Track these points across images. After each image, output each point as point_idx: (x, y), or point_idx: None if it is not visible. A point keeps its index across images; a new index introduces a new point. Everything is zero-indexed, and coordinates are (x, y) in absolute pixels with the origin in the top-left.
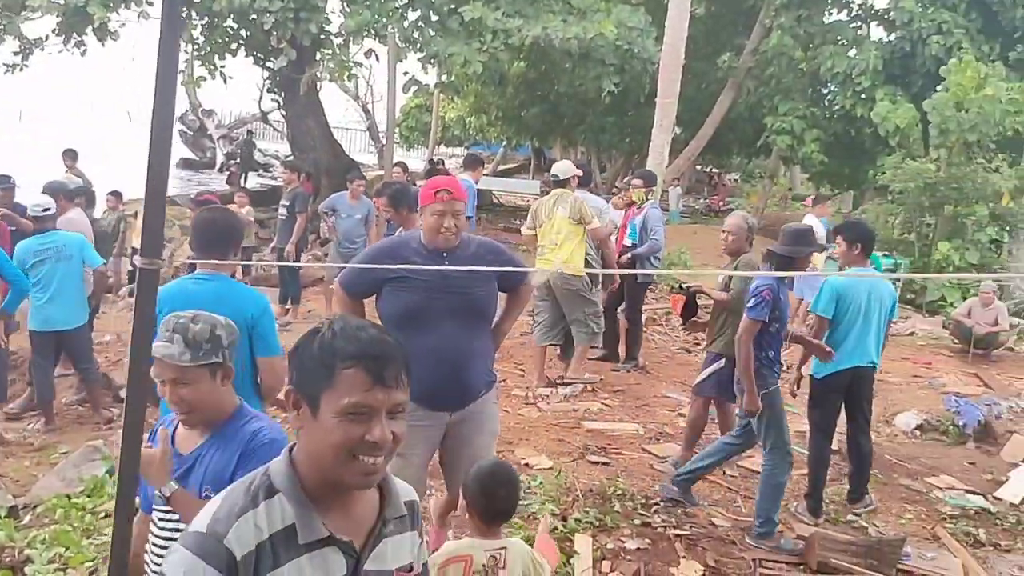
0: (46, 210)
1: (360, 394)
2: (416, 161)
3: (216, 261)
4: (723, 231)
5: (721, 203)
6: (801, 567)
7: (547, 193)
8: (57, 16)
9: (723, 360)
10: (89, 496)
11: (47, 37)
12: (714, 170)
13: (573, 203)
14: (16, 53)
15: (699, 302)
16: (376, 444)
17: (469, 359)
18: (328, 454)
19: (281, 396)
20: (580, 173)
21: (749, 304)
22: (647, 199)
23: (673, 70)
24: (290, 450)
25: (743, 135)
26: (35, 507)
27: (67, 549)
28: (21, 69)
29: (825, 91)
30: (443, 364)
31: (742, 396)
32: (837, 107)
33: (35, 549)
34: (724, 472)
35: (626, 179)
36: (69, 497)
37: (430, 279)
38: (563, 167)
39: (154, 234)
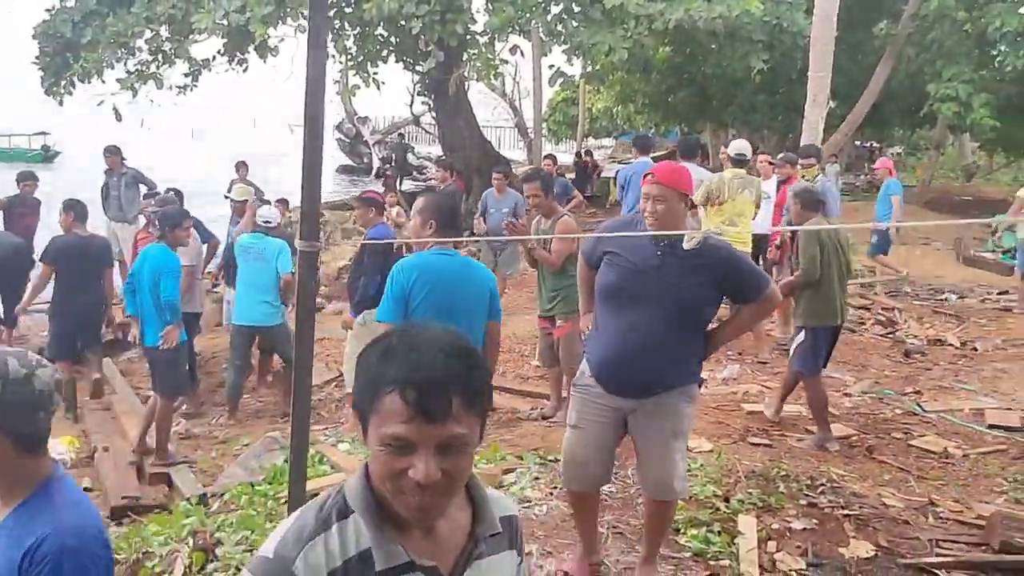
0: (267, 222)
1: (397, 425)
2: (565, 155)
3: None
4: None
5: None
6: (983, 547)
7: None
8: (222, 37)
9: (802, 332)
10: (270, 484)
11: (214, 58)
12: (874, 144)
13: (758, 187)
14: (186, 75)
15: None
16: (418, 484)
17: (656, 350)
18: (378, 482)
19: None
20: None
21: None
22: (818, 176)
23: (826, 42)
24: (367, 465)
25: (904, 105)
26: (222, 495)
27: (253, 532)
28: (191, 89)
29: (994, 52)
30: (625, 348)
31: None
32: (1008, 68)
33: (224, 532)
34: (894, 453)
35: (780, 156)
36: (252, 485)
37: (639, 261)
38: (746, 147)
39: (311, 220)
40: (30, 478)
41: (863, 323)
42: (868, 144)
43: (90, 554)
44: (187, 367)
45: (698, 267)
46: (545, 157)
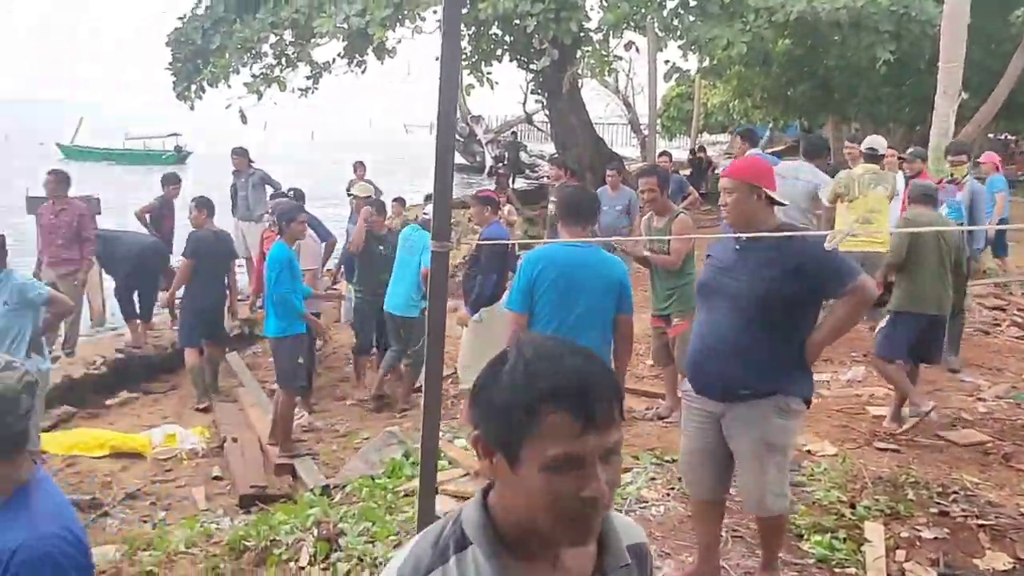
0: (426, 216)
1: (570, 442)
2: (678, 151)
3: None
4: None
5: (1020, 172)
6: None
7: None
8: (342, 40)
9: (887, 316)
10: (389, 477)
11: (334, 60)
12: (1010, 137)
13: (893, 182)
14: (308, 77)
15: None
16: (593, 499)
17: (732, 350)
18: (534, 514)
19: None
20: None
21: None
22: (967, 175)
23: (957, 31)
24: (485, 493)
25: None
26: (344, 487)
27: (374, 524)
28: (312, 92)
29: None
30: (704, 346)
31: None
32: None
33: (347, 523)
34: None
35: (909, 151)
36: (372, 478)
37: (722, 260)
38: (880, 142)
39: (442, 221)
40: (5, 484)
41: (998, 324)
42: (1003, 136)
43: (69, 559)
44: (303, 362)
45: (772, 259)
46: (661, 154)
